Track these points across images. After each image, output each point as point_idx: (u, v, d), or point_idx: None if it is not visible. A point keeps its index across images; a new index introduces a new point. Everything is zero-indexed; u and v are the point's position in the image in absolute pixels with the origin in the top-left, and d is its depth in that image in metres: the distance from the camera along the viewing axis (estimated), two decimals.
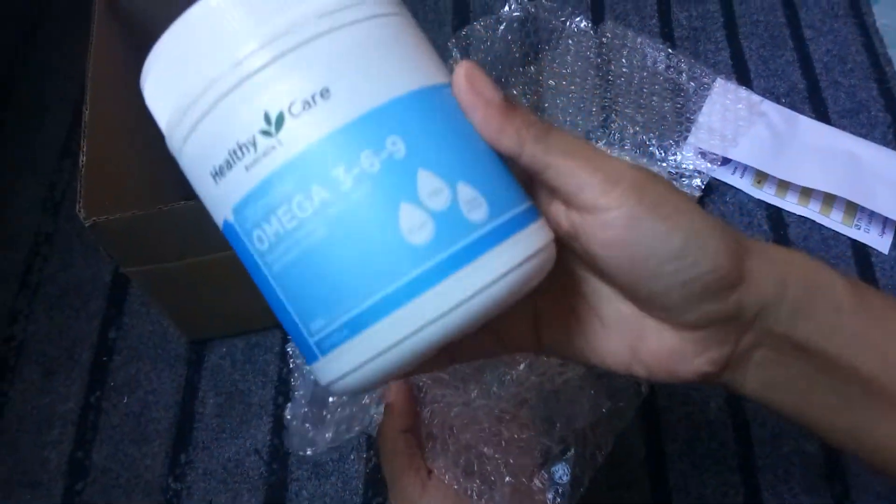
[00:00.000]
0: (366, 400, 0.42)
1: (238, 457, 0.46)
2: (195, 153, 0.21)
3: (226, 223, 0.21)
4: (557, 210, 0.23)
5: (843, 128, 0.56)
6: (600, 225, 0.21)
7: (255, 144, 0.20)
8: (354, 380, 0.21)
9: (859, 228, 0.52)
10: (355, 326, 0.20)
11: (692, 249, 0.21)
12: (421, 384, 0.33)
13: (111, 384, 0.48)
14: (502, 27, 0.60)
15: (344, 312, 0.20)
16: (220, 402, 0.47)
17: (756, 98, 0.56)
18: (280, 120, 0.20)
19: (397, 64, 0.21)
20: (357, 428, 0.41)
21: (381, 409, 0.33)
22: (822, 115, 0.57)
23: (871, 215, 0.52)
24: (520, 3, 0.60)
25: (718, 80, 0.57)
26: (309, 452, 0.43)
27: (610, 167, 0.22)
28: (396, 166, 0.20)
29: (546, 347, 0.26)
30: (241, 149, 0.20)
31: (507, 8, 0.61)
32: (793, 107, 0.57)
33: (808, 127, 0.56)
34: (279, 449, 0.46)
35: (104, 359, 0.49)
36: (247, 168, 0.20)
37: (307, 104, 0.19)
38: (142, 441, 0.46)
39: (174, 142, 0.22)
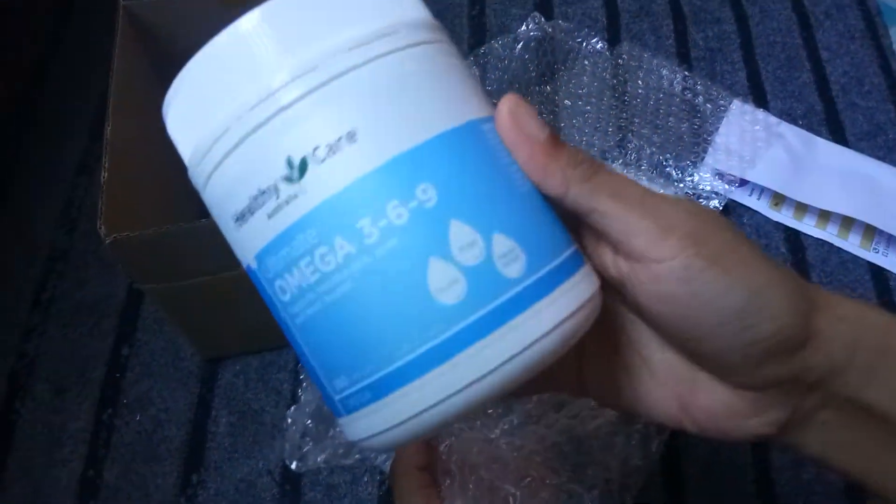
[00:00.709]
0: None
1: (250, 477, 0.45)
2: (218, 194, 0.20)
3: (249, 268, 0.20)
4: (604, 254, 0.21)
5: (861, 150, 0.56)
6: (651, 276, 0.20)
7: (277, 191, 0.18)
8: (380, 441, 0.19)
9: (877, 252, 0.52)
10: (379, 391, 0.19)
11: (755, 308, 0.19)
12: None
13: (123, 402, 0.48)
14: (519, 46, 0.60)
15: (367, 375, 0.19)
16: (233, 422, 0.47)
17: (773, 120, 0.56)
18: (303, 166, 0.18)
19: (432, 100, 0.19)
20: (357, 456, 0.40)
21: None
22: (839, 137, 0.57)
23: (889, 239, 0.52)
24: (537, 24, 0.61)
25: (735, 101, 0.57)
26: (294, 466, 0.43)
27: (664, 212, 0.20)
28: (426, 217, 0.18)
29: (590, 391, 0.25)
30: (262, 195, 0.19)
31: (524, 27, 0.61)
32: (810, 129, 0.57)
33: (826, 149, 0.55)
34: (292, 470, 0.45)
35: (116, 376, 0.49)
36: (269, 216, 0.19)
37: (331, 149, 0.18)
38: (153, 460, 0.46)
39: (198, 179, 0.21)
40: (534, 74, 0.60)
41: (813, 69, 0.61)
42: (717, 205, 0.53)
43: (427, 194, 0.18)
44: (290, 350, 0.49)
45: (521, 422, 0.30)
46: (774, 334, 0.20)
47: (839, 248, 0.52)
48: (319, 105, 0.18)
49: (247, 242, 0.20)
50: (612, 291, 0.22)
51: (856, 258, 0.52)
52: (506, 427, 0.30)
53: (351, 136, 0.18)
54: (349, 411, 0.20)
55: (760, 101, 0.59)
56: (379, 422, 0.19)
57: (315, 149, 0.18)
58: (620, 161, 0.55)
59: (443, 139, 0.19)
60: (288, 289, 0.19)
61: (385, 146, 0.18)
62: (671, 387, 0.23)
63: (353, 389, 0.19)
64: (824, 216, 0.53)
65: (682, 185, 0.53)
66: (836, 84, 0.60)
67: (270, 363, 0.49)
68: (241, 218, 0.19)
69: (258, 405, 0.47)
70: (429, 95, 0.19)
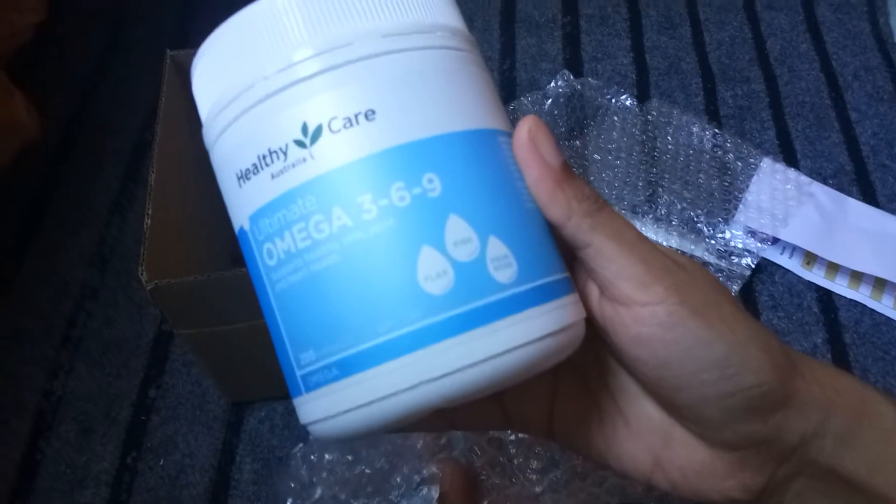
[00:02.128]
0: (381, 463, 0.40)
1: None
2: (226, 150, 0.20)
3: (241, 231, 0.20)
4: (590, 293, 0.21)
5: (893, 211, 0.56)
6: (634, 320, 0.20)
7: (286, 153, 0.19)
8: (335, 426, 0.19)
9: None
10: (347, 367, 0.18)
11: (736, 360, 0.19)
12: (480, 472, 0.31)
13: (148, 445, 0.48)
14: (549, 102, 0.61)
15: (337, 350, 0.18)
16: (257, 469, 0.46)
17: (804, 179, 0.56)
18: (317, 133, 0.19)
19: (453, 99, 0.20)
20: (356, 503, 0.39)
21: (426, 492, 0.31)
22: (870, 197, 0.57)
23: None
24: (566, 80, 0.62)
25: (765, 159, 0.57)
26: (289, 502, 0.41)
27: (655, 259, 0.20)
28: (427, 205, 0.18)
29: (557, 435, 0.24)
30: (271, 155, 0.19)
31: (553, 84, 0.62)
32: (840, 189, 0.57)
33: (858, 209, 0.55)
34: None
35: (142, 418, 0.49)
36: (272, 176, 0.19)
37: (349, 122, 0.18)
38: None
39: (210, 134, 0.21)
40: (563, 129, 0.60)
41: (842, 129, 0.61)
42: (750, 262, 0.52)
43: (432, 184, 0.19)
44: None
45: (568, 478, 0.30)
46: (753, 387, 0.20)
47: (872, 310, 0.52)
48: (345, 79, 0.19)
49: (244, 202, 0.20)
50: (592, 334, 0.22)
51: (889, 320, 0.51)
52: (551, 482, 0.29)
53: (369, 115, 0.18)
54: (309, 388, 0.19)
55: (790, 159, 0.59)
56: (339, 402, 0.18)
57: (332, 119, 0.18)
58: (651, 216, 0.55)
59: (459, 137, 0.19)
60: (276, 252, 0.19)
61: (400, 130, 0.19)
62: (646, 439, 0.22)
63: (320, 364, 0.19)
64: (857, 276, 0.53)
65: (713, 241, 0.53)
66: (866, 145, 0.60)
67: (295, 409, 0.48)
68: (244, 176, 0.20)
69: (283, 452, 0.47)
70: (453, 94, 0.20)
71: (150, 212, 0.36)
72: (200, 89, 0.21)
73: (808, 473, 0.21)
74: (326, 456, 0.43)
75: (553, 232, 0.21)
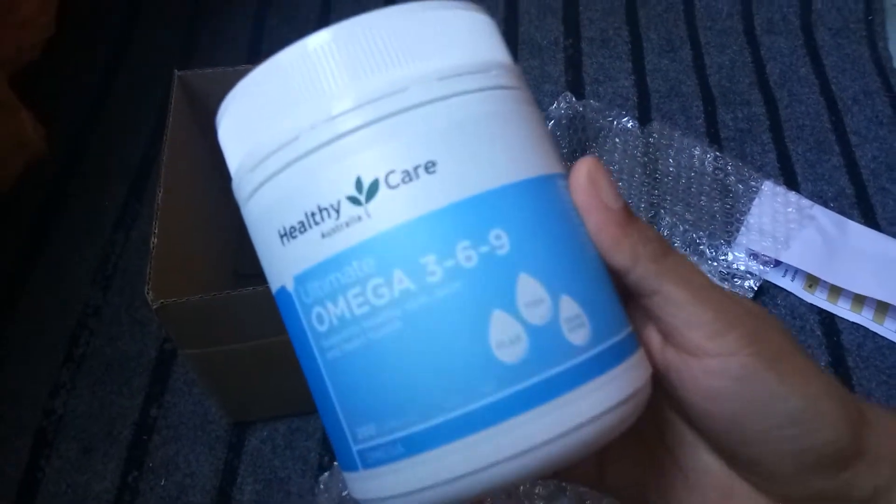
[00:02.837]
0: None
1: None
2: (266, 205, 0.18)
3: (282, 291, 0.19)
4: (652, 340, 0.21)
5: (893, 234, 0.56)
6: (704, 371, 0.19)
7: (338, 211, 0.17)
8: None
9: None
10: (414, 445, 0.17)
11: (811, 416, 0.19)
12: (485, 497, 0.30)
13: (149, 465, 0.47)
14: (551, 124, 0.61)
15: (403, 426, 0.17)
16: (259, 490, 0.46)
17: (805, 202, 0.57)
18: (373, 188, 0.17)
19: (514, 145, 0.18)
20: None
21: None
22: (870, 220, 0.57)
23: None
24: (568, 102, 0.62)
25: (767, 182, 0.57)
26: None
27: (726, 306, 0.19)
28: (496, 265, 0.17)
29: (609, 488, 0.23)
30: (321, 212, 0.17)
31: (555, 105, 0.62)
32: (841, 212, 0.57)
33: (859, 232, 0.56)
34: None
35: (144, 437, 0.48)
36: (323, 235, 0.17)
37: (407, 176, 0.17)
38: None
39: (243, 188, 0.19)
40: (565, 151, 0.61)
41: (842, 153, 0.62)
42: (753, 285, 0.53)
43: (500, 241, 0.17)
44: (318, 417, 0.48)
45: None
46: (829, 443, 0.19)
47: (875, 333, 0.52)
48: (401, 129, 0.17)
49: (288, 261, 0.18)
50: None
51: (892, 344, 0.51)
52: None
53: (429, 167, 0.17)
54: (368, 465, 0.18)
55: (791, 182, 0.60)
56: (405, 482, 0.17)
57: (389, 173, 0.17)
58: None
59: (521, 187, 0.18)
60: (327, 318, 0.18)
61: (463, 183, 0.17)
62: (704, 493, 0.21)
63: (382, 441, 0.17)
64: (859, 300, 0.53)
65: (715, 263, 0.53)
66: (867, 168, 0.61)
67: (298, 429, 0.48)
68: (288, 234, 0.18)
69: (284, 473, 0.47)
70: (512, 140, 0.18)
71: (156, 231, 0.36)
72: (230, 140, 0.20)
73: None
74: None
75: (614, 279, 0.20)
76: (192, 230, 0.44)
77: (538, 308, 0.17)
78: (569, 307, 0.17)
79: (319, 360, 0.18)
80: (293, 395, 0.47)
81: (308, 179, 0.18)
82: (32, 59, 0.65)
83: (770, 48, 0.69)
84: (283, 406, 0.48)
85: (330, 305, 0.17)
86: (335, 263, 0.17)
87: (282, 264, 0.18)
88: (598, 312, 0.18)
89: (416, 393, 0.17)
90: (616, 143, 0.61)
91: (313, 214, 0.17)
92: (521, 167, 0.18)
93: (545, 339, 0.17)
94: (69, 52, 0.70)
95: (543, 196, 0.18)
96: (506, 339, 0.17)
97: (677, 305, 0.19)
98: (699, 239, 0.55)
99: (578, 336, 0.17)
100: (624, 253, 0.19)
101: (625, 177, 0.59)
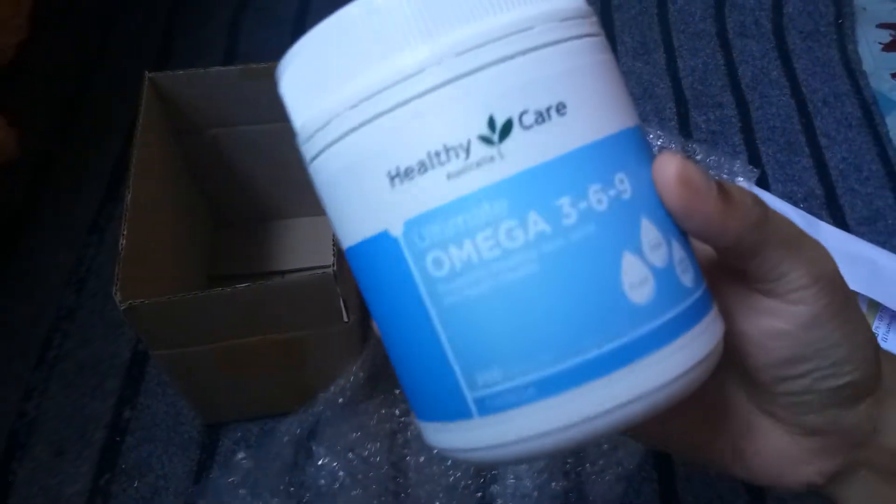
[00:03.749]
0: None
1: None
2: (372, 145, 0.17)
3: (383, 236, 0.18)
4: (721, 281, 0.21)
5: (861, 235, 0.57)
6: (777, 314, 0.20)
7: (468, 151, 0.16)
8: (521, 450, 0.17)
9: (877, 336, 0.52)
10: (548, 388, 0.17)
11: (853, 359, 0.21)
12: None
13: (122, 467, 0.47)
14: None
15: (535, 368, 0.17)
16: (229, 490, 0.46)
17: (777, 201, 0.58)
18: (507, 128, 0.17)
19: (622, 93, 0.18)
20: None
21: None
22: (839, 221, 0.58)
23: (890, 324, 0.52)
24: None
25: (738, 180, 0.58)
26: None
27: (814, 258, 0.20)
28: (623, 208, 0.17)
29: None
30: (447, 152, 0.17)
31: None
32: (810, 212, 0.58)
33: (829, 232, 0.56)
34: None
35: (117, 439, 0.48)
36: (449, 176, 0.17)
37: (540, 117, 0.17)
38: None
39: (335, 128, 0.18)
40: None
41: (812, 154, 0.63)
42: None
43: (624, 185, 0.17)
44: (291, 417, 0.49)
45: None
46: (860, 382, 0.21)
47: None
48: (532, 67, 0.17)
49: (399, 204, 0.17)
50: None
51: None
52: None
53: (561, 108, 0.17)
54: (488, 411, 0.17)
55: (762, 183, 0.60)
56: (536, 425, 0.17)
57: (523, 113, 0.17)
58: None
59: (630, 134, 0.18)
60: (448, 262, 0.17)
61: (591, 127, 0.17)
62: (727, 430, 0.23)
63: (509, 385, 0.17)
64: None
65: None
66: (835, 169, 0.61)
67: (271, 430, 0.48)
68: (403, 175, 0.17)
69: (258, 474, 0.47)
70: (620, 88, 0.19)
71: (125, 232, 0.36)
72: (301, 88, 0.19)
73: (876, 462, 0.22)
74: None
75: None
76: (164, 232, 0.44)
77: (659, 250, 0.18)
78: (678, 251, 0.18)
79: (431, 307, 0.17)
80: (266, 396, 0.47)
81: (431, 118, 0.17)
82: (5, 62, 0.64)
83: (742, 51, 0.70)
84: (257, 407, 0.48)
85: (453, 249, 0.17)
86: (463, 205, 0.17)
87: (388, 208, 0.17)
88: (692, 258, 0.19)
89: (550, 335, 0.17)
90: None
91: (437, 154, 0.17)
92: (629, 115, 0.18)
93: (666, 280, 0.18)
94: (43, 55, 0.69)
95: (643, 143, 0.19)
96: (636, 280, 0.17)
97: (774, 264, 0.20)
98: None
99: (688, 279, 0.18)
100: (730, 235, 0.19)
101: None
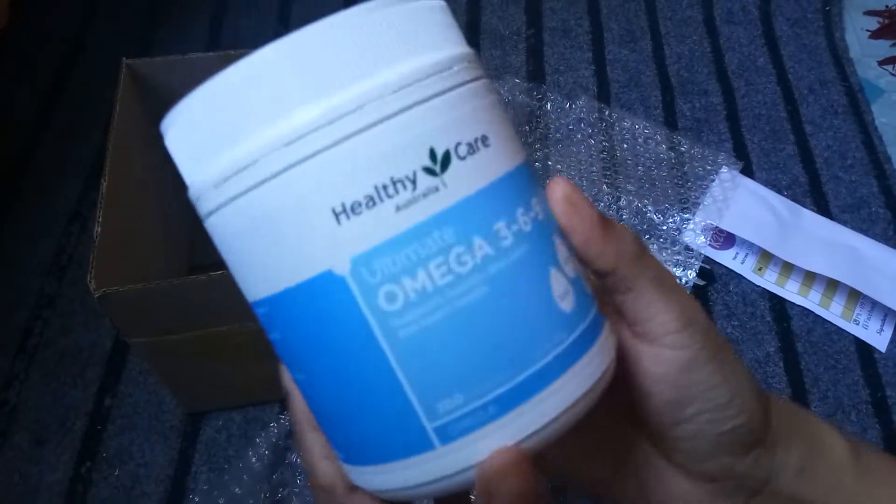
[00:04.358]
0: None
1: None
2: (311, 183, 0.17)
3: (325, 277, 0.17)
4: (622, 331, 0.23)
5: (845, 222, 0.57)
6: (657, 359, 0.21)
7: (414, 182, 0.17)
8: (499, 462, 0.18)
9: (857, 324, 0.52)
10: (507, 402, 0.17)
11: (737, 402, 0.21)
12: None
13: (103, 455, 0.47)
14: (511, 113, 0.62)
15: (495, 387, 0.17)
16: (213, 479, 0.46)
17: (762, 189, 0.57)
18: (446, 160, 0.17)
19: (511, 129, 0.20)
20: None
21: None
22: (823, 208, 0.58)
23: (871, 311, 0.52)
24: (529, 91, 0.62)
25: (723, 168, 0.58)
26: None
27: (685, 304, 0.21)
28: (541, 229, 0.19)
29: (550, 471, 0.26)
30: (394, 185, 0.17)
31: (518, 95, 0.62)
32: (795, 199, 0.58)
33: (812, 219, 0.57)
34: None
35: (98, 428, 0.48)
36: (398, 208, 0.17)
37: (471, 148, 0.18)
38: None
39: (261, 169, 0.17)
40: (529, 140, 0.61)
41: (797, 142, 0.62)
42: (702, 264, 0.53)
43: (537, 208, 0.19)
44: (273, 406, 0.49)
45: None
46: (744, 426, 0.22)
47: (824, 319, 0.53)
48: (458, 103, 0.18)
49: (346, 241, 0.17)
50: None
51: (840, 330, 0.52)
52: None
53: (485, 140, 0.18)
54: (451, 438, 0.17)
55: (746, 170, 0.60)
56: (504, 438, 0.17)
57: (458, 145, 0.18)
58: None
59: (528, 163, 0.20)
60: (401, 295, 0.17)
61: (507, 156, 0.19)
62: (631, 472, 0.24)
63: (472, 407, 0.17)
64: (807, 283, 0.54)
65: (674, 244, 0.54)
66: (820, 157, 0.61)
67: (253, 419, 0.48)
68: (349, 210, 0.17)
69: (239, 463, 0.47)
70: (510, 124, 0.20)
71: (100, 219, 0.36)
72: (195, 144, 0.19)
73: (773, 503, 0.23)
74: None
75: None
76: (142, 220, 0.44)
77: (570, 264, 0.20)
78: (578, 264, 0.20)
79: (384, 344, 0.17)
80: (247, 385, 0.47)
81: (375, 152, 0.17)
82: None
83: (729, 38, 0.70)
84: (238, 396, 0.48)
85: (406, 280, 0.17)
86: (415, 235, 0.17)
87: (331, 246, 0.17)
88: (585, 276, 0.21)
89: (504, 352, 0.18)
90: (575, 129, 0.61)
91: (385, 187, 0.17)
92: (522, 147, 0.20)
93: (580, 289, 0.20)
94: (23, 44, 0.69)
95: (534, 172, 0.21)
96: (561, 291, 0.19)
97: (648, 302, 0.21)
98: (660, 221, 0.55)
99: (590, 287, 0.20)
100: (608, 259, 0.21)
101: (584, 164, 0.60)
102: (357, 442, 0.19)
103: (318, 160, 0.17)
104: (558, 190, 0.20)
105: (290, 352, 0.19)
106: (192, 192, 0.19)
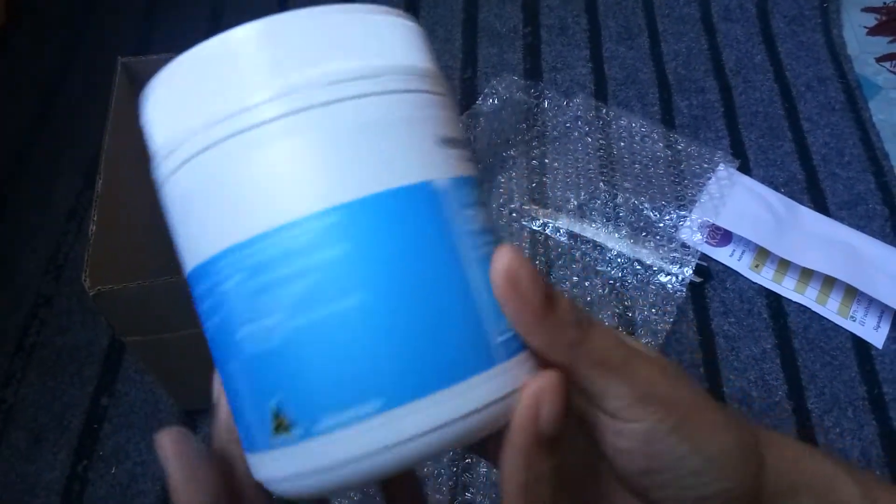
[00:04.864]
0: None
1: None
2: (416, 115, 0.19)
3: (421, 187, 0.19)
4: (579, 398, 0.22)
5: (842, 219, 0.57)
6: (617, 433, 0.21)
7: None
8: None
9: (854, 320, 0.52)
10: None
11: (714, 469, 0.21)
12: None
13: (100, 453, 0.47)
14: (508, 109, 0.62)
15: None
16: None
17: (759, 186, 0.57)
18: None
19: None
20: None
21: None
22: (820, 205, 0.58)
23: (867, 308, 0.52)
24: (524, 88, 0.62)
25: (721, 165, 0.58)
26: None
27: (640, 377, 0.20)
28: None
29: None
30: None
31: (515, 91, 0.62)
32: (792, 196, 0.58)
33: (808, 216, 0.57)
34: None
35: (94, 426, 0.48)
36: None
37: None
38: None
39: (364, 83, 0.19)
40: (526, 137, 0.61)
41: (794, 139, 0.62)
42: (700, 262, 0.53)
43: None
44: None
45: None
46: (726, 492, 0.21)
47: (821, 316, 0.53)
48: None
49: (450, 164, 0.20)
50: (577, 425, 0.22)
51: (837, 326, 0.52)
52: None
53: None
54: (513, 354, 0.19)
55: (743, 167, 0.60)
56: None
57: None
58: (605, 218, 0.56)
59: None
60: (479, 220, 0.20)
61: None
62: None
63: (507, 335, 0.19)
64: (804, 280, 0.54)
65: (671, 241, 0.54)
66: (818, 154, 0.61)
67: None
68: (450, 143, 0.20)
69: None
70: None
71: (95, 218, 0.36)
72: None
73: None
74: None
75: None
76: (138, 219, 0.44)
77: None
78: None
79: (464, 260, 0.19)
80: None
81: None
82: None
83: (726, 35, 0.70)
84: None
85: (481, 209, 0.20)
86: (467, 182, 0.20)
87: (437, 163, 0.19)
88: None
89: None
90: (571, 126, 0.61)
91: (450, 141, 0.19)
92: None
93: None
94: (21, 42, 0.69)
95: None
96: None
97: (593, 384, 0.20)
98: (656, 218, 0.55)
99: None
100: (539, 339, 0.19)
101: (580, 160, 0.60)
102: (429, 364, 0.19)
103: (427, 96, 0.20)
104: (503, 261, 0.19)
105: (359, 267, 0.18)
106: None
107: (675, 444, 0.20)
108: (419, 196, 0.19)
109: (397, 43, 0.20)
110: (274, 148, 0.18)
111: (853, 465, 0.25)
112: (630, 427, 0.20)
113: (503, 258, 0.19)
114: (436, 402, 0.18)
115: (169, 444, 0.19)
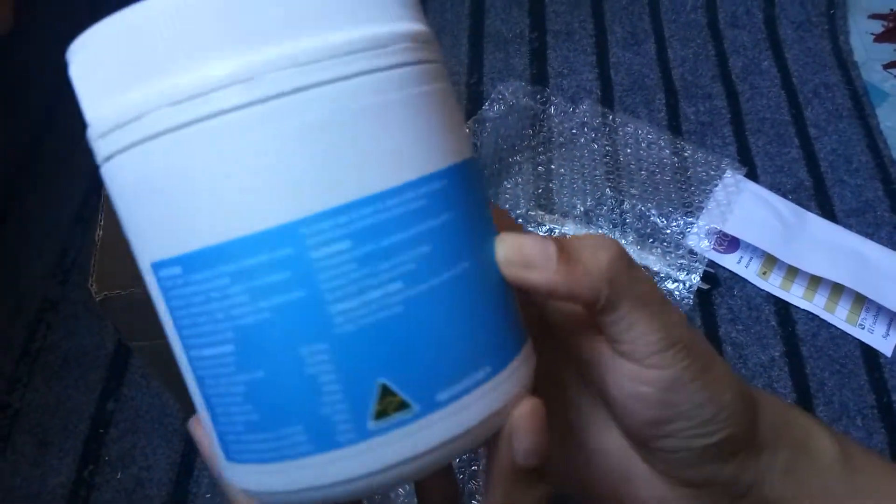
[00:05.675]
0: None
1: None
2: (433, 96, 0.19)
3: (458, 167, 0.18)
4: (582, 336, 0.22)
5: (850, 226, 0.57)
6: (635, 377, 0.21)
7: None
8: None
9: (863, 328, 0.52)
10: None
11: (722, 417, 0.21)
12: None
13: (106, 458, 0.47)
14: (515, 115, 0.62)
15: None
16: (215, 483, 0.46)
17: (766, 192, 0.57)
18: None
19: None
20: None
21: None
22: (828, 212, 0.58)
23: (877, 315, 0.52)
24: (530, 94, 0.62)
25: (728, 171, 0.58)
26: None
27: (669, 322, 0.21)
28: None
29: None
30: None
31: (522, 97, 0.62)
32: (799, 203, 0.58)
33: (816, 223, 0.56)
34: None
35: (100, 431, 0.48)
36: None
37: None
38: None
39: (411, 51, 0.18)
40: (533, 143, 0.61)
41: (802, 145, 0.62)
42: (707, 268, 0.53)
43: None
44: None
45: None
46: (731, 439, 0.21)
47: (829, 323, 0.52)
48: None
49: (466, 148, 0.20)
50: (558, 362, 0.23)
51: (845, 334, 0.52)
52: None
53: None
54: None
55: (750, 174, 0.60)
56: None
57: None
58: (612, 224, 0.56)
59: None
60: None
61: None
62: (606, 473, 0.23)
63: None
64: (812, 287, 0.53)
65: (678, 248, 0.54)
66: (825, 161, 0.61)
67: None
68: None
69: None
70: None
71: (101, 223, 0.36)
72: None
73: None
74: None
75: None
76: None
77: None
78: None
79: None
80: None
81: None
82: None
83: (733, 41, 0.70)
84: None
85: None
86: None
87: (454, 148, 0.19)
88: None
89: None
90: (577, 133, 0.61)
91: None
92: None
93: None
94: (29, 47, 0.69)
95: None
96: None
97: (630, 323, 0.20)
98: (663, 225, 0.55)
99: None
100: (589, 287, 0.20)
101: (587, 166, 0.59)
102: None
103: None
104: (500, 249, 0.19)
105: (464, 234, 0.18)
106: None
107: (695, 391, 0.21)
108: (475, 167, 0.20)
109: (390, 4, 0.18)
110: (393, 111, 0.17)
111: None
112: (655, 374, 0.20)
113: (502, 244, 0.19)
114: (517, 367, 0.19)
115: (196, 425, 0.21)
